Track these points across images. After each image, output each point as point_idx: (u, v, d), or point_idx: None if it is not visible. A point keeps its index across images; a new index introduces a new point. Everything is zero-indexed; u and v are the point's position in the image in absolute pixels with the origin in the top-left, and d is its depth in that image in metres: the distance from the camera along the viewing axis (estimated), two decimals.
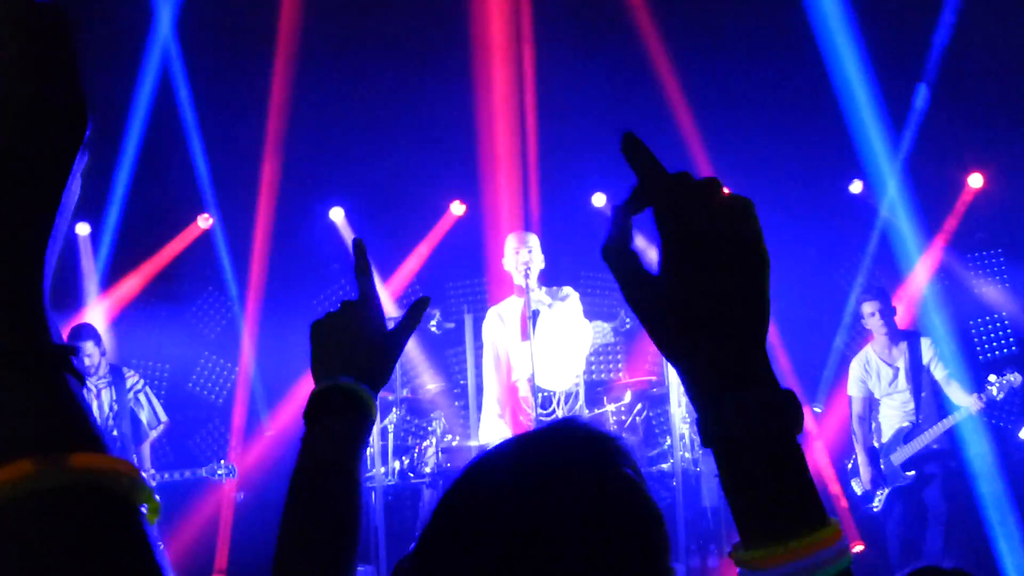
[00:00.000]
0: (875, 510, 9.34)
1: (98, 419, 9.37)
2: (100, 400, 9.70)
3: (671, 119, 11.30)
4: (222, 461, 10.04)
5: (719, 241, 1.24)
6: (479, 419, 9.17)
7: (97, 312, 11.55)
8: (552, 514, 1.30)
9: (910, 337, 9.39)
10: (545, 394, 8.56)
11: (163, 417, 9.96)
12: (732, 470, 1.22)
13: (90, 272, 11.82)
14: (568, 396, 8.65)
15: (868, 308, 9.35)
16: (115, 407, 9.69)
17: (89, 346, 9.62)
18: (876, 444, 9.38)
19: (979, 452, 9.45)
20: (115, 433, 9.60)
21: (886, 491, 9.22)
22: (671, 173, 1.31)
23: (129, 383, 9.85)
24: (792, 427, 1.21)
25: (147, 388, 10.00)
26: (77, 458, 0.96)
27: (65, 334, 8.76)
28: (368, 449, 7.73)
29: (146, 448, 9.79)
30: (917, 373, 9.21)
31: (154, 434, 9.85)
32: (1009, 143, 11.24)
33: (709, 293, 1.24)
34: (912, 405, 9.21)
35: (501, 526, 1.31)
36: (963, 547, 9.11)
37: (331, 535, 1.74)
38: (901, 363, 9.27)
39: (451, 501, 1.39)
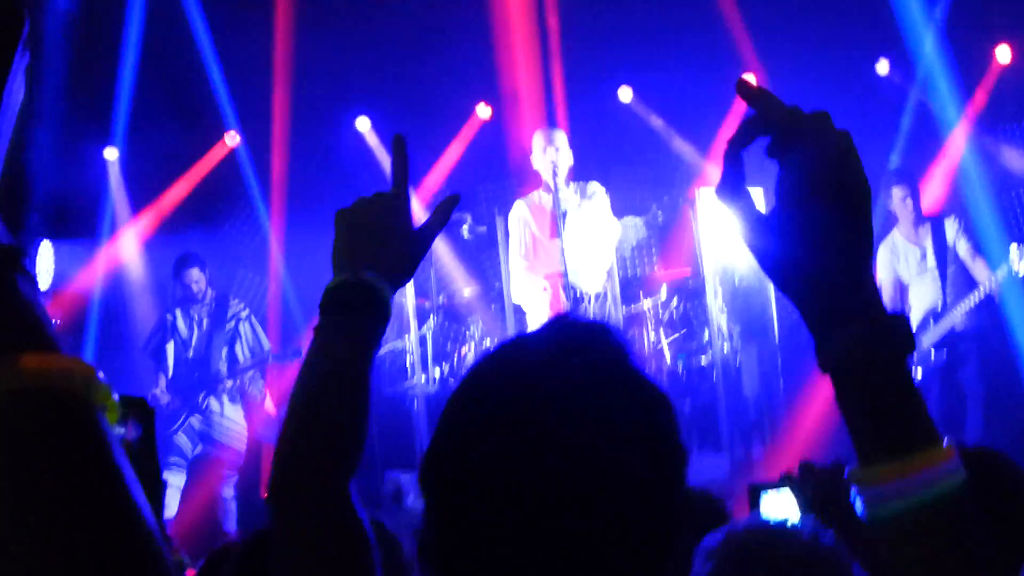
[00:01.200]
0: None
1: (192, 347, 9.49)
2: (201, 328, 9.79)
3: (696, 8, 11.15)
4: (297, 345, 10.10)
5: (830, 173, 1.32)
6: (516, 322, 9.17)
7: (130, 236, 11.58)
8: (557, 407, 1.29)
9: (934, 219, 9.32)
10: (576, 293, 8.53)
11: (267, 345, 9.98)
12: (848, 395, 1.29)
13: (120, 196, 11.83)
14: (598, 296, 8.63)
15: (899, 193, 9.29)
16: (212, 336, 9.75)
17: (195, 272, 9.74)
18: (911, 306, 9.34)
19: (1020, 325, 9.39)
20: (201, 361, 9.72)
21: (919, 369, 9.18)
22: (785, 106, 1.36)
23: (231, 312, 9.89)
24: (901, 352, 1.27)
25: (252, 318, 10.03)
26: (27, 359, 0.94)
27: (171, 261, 8.90)
28: (408, 357, 7.77)
29: (231, 383, 9.75)
30: (942, 252, 9.16)
31: (246, 362, 9.82)
32: None
33: (821, 225, 1.30)
34: (940, 285, 9.17)
35: (509, 425, 1.29)
36: (1005, 427, 9.07)
37: (335, 435, 1.70)
38: (928, 243, 9.22)
39: (457, 407, 1.38)
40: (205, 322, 9.79)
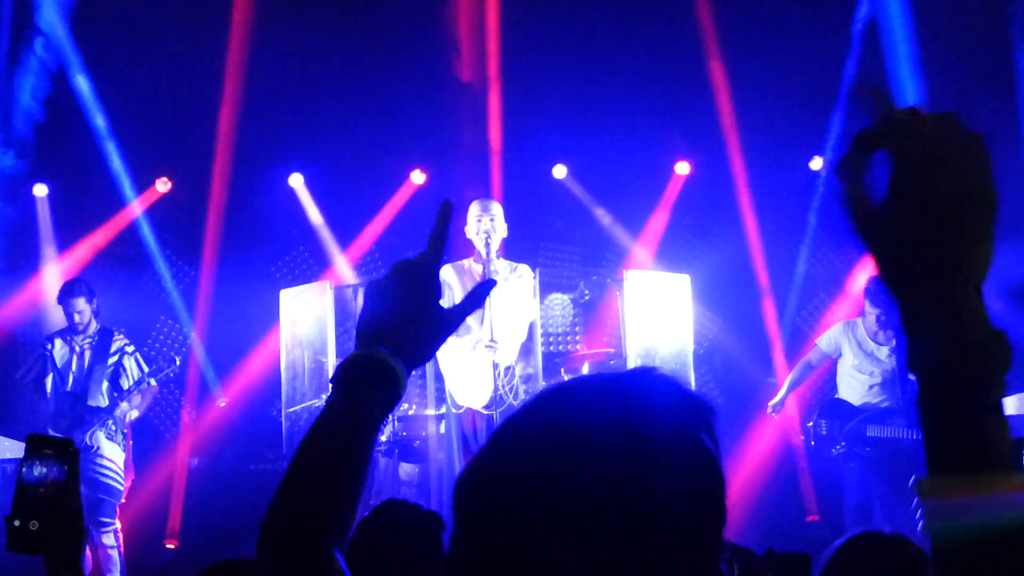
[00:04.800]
0: (835, 453, 9.32)
1: (71, 379, 9.11)
2: (82, 359, 9.42)
3: (635, 92, 11.28)
4: (172, 355, 9.87)
5: (948, 176, 1.25)
6: (436, 389, 9.14)
7: (53, 274, 11.46)
8: (628, 480, 1.23)
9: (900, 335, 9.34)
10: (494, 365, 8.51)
11: (153, 383, 9.62)
12: (926, 400, 1.25)
13: (47, 233, 11.72)
14: (507, 369, 8.62)
15: (871, 312, 9.31)
16: (94, 369, 9.37)
17: (80, 302, 9.40)
18: (840, 397, 9.40)
19: None
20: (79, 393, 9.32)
21: (844, 445, 9.23)
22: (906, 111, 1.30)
23: (115, 346, 9.53)
24: (990, 370, 1.23)
25: (137, 354, 9.69)
26: None
27: (57, 289, 8.62)
28: None
29: (124, 409, 9.37)
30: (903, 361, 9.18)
31: (136, 399, 9.48)
32: None
33: (930, 229, 1.25)
34: (877, 382, 9.23)
35: (565, 461, 1.24)
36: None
37: (328, 504, 1.72)
38: (885, 350, 9.26)
39: (518, 430, 1.33)
40: (87, 354, 9.43)
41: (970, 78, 10.49)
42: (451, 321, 1.89)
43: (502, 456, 1.32)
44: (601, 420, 1.28)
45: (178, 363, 9.78)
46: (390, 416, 8.87)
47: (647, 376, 1.34)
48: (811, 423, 9.45)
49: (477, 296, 1.97)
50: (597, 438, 1.26)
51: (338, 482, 1.74)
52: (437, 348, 1.90)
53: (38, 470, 2.36)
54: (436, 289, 1.88)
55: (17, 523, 2.36)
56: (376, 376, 1.79)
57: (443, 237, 1.90)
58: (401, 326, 1.83)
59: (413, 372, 1.88)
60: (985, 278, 1.26)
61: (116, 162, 11.47)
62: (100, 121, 11.27)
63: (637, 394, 1.32)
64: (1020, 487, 1.18)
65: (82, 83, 11.12)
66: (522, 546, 1.24)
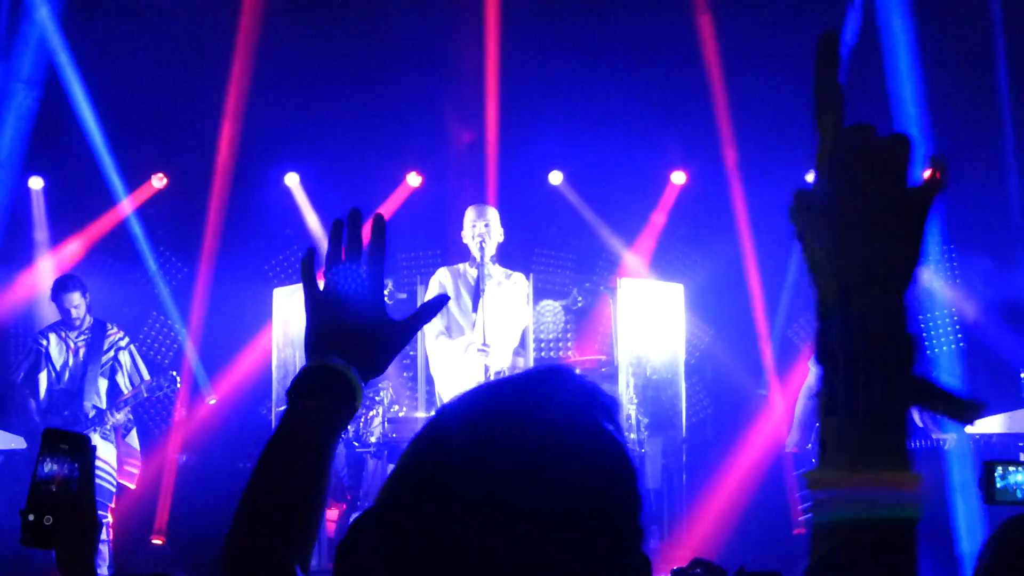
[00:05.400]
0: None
1: (67, 376, 9.07)
2: (77, 356, 9.39)
3: (633, 100, 11.28)
4: (172, 373, 9.74)
5: (868, 159, 1.28)
6: (427, 391, 9.15)
7: (47, 266, 11.44)
8: (534, 467, 1.24)
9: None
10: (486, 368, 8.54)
11: (147, 376, 9.57)
12: (826, 387, 1.24)
13: (41, 226, 11.70)
14: (498, 374, 8.63)
15: None
16: (88, 367, 9.34)
17: (76, 297, 9.37)
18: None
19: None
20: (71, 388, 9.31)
21: None
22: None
23: (109, 341, 9.50)
24: (894, 360, 1.23)
25: (132, 347, 9.67)
26: None
27: (50, 284, 8.57)
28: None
29: (120, 415, 9.34)
30: None
31: (128, 393, 9.42)
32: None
33: (845, 223, 1.28)
34: None
35: (479, 476, 1.24)
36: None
37: (290, 515, 1.72)
38: None
39: (429, 435, 1.33)
40: (82, 351, 9.39)
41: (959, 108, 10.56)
42: (403, 333, 1.90)
43: (420, 450, 1.31)
44: (507, 413, 1.28)
45: (179, 382, 9.74)
46: (381, 416, 8.93)
47: (551, 372, 1.35)
48: (797, 448, 9.41)
49: (428, 310, 1.98)
50: (503, 430, 1.26)
51: (298, 496, 1.74)
52: (391, 360, 1.90)
53: (53, 465, 2.37)
54: (382, 301, 1.89)
55: (31, 517, 2.37)
56: (332, 387, 1.80)
57: (381, 250, 1.91)
58: (351, 337, 1.84)
59: (404, 374, 1.90)
60: (908, 279, 1.26)
61: (111, 157, 11.44)
62: (92, 117, 11.23)
63: (539, 387, 1.32)
64: (914, 484, 1.20)
65: (73, 79, 11.08)
66: (440, 537, 1.24)
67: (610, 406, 1.32)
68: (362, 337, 1.85)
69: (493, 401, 1.32)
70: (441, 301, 2.03)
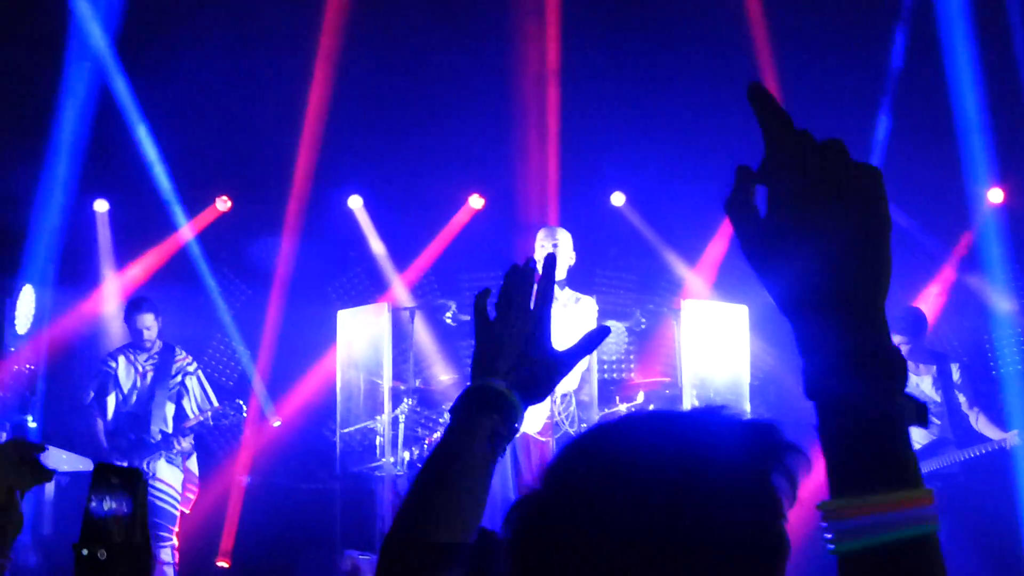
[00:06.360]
0: None
1: (134, 399, 9.09)
2: (144, 379, 9.35)
3: (694, 119, 11.25)
4: (239, 402, 9.67)
5: (832, 194, 1.26)
6: None
7: (112, 288, 11.56)
8: (682, 506, 1.26)
9: (939, 359, 9.23)
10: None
11: (215, 402, 9.51)
12: (827, 422, 1.26)
13: (106, 249, 11.83)
14: (564, 396, 8.61)
15: (896, 339, 9.22)
16: (155, 392, 9.31)
17: (148, 318, 9.32)
18: None
19: None
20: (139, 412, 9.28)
21: None
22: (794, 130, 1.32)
23: (176, 366, 9.45)
24: (884, 386, 1.23)
25: (199, 373, 9.63)
26: None
27: (116, 305, 8.57)
28: (378, 438, 7.76)
29: (186, 441, 9.32)
30: (949, 391, 9.09)
31: (195, 419, 9.38)
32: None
33: (813, 237, 1.26)
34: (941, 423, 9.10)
35: (627, 507, 1.26)
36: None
37: (450, 529, 1.77)
38: (927, 381, 9.14)
39: (577, 464, 1.35)
40: (149, 375, 9.35)
41: None
42: (564, 362, 1.98)
43: (555, 489, 1.33)
44: (652, 455, 1.30)
45: (245, 410, 9.73)
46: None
47: (707, 413, 1.37)
48: None
49: (591, 341, 2.05)
50: (646, 474, 1.28)
51: (459, 509, 1.80)
52: (552, 388, 1.98)
53: (105, 499, 2.38)
54: (547, 333, 1.98)
55: (85, 552, 2.39)
56: (495, 405, 1.87)
57: (550, 288, 2.02)
58: (517, 365, 1.93)
59: None
60: (884, 294, 1.26)
61: (173, 180, 11.56)
62: (154, 141, 11.35)
63: (694, 429, 1.34)
64: (926, 500, 1.21)
65: (130, 103, 11.20)
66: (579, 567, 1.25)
67: (780, 451, 1.37)
68: (525, 364, 1.94)
69: (640, 440, 1.34)
70: (602, 333, 2.08)
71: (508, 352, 1.93)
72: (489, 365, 1.93)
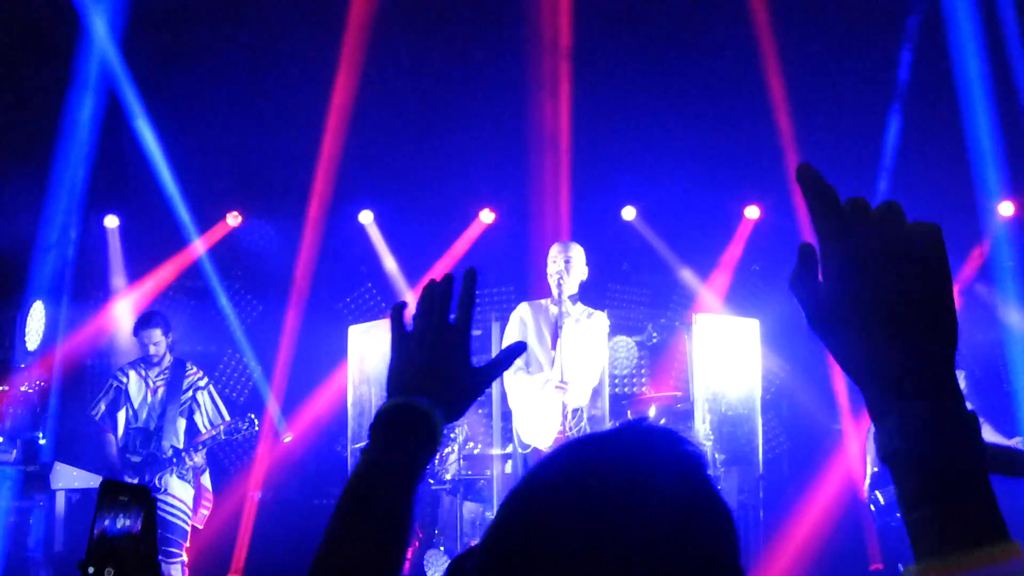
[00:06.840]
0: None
1: (144, 414, 9.08)
2: (156, 395, 9.30)
3: (707, 134, 11.25)
4: (251, 416, 9.54)
5: (890, 255, 1.24)
6: (503, 428, 9.12)
7: (123, 305, 11.57)
8: (637, 524, 1.23)
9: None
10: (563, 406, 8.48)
11: (227, 417, 9.44)
12: (903, 484, 1.21)
13: (117, 265, 11.85)
14: (575, 411, 8.58)
15: None
16: (167, 407, 9.25)
17: (156, 334, 9.28)
18: None
19: None
20: (152, 427, 9.19)
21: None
22: (845, 204, 1.28)
23: (188, 381, 9.39)
24: (963, 443, 1.20)
25: (211, 388, 9.56)
26: None
27: (126, 321, 8.54)
28: None
29: (198, 456, 9.24)
30: None
31: (206, 434, 9.30)
32: None
33: (875, 304, 1.24)
34: None
35: (580, 533, 1.23)
36: None
37: (373, 555, 1.72)
38: None
39: (525, 498, 1.32)
40: (160, 390, 9.30)
41: None
42: (483, 379, 1.93)
43: (521, 504, 1.31)
44: (603, 471, 1.28)
45: (257, 425, 9.68)
46: (456, 454, 8.91)
47: (640, 430, 1.34)
48: (867, 493, 9.31)
49: (506, 358, 2.01)
50: (601, 488, 1.26)
51: (381, 535, 1.74)
52: (469, 405, 1.92)
53: (113, 517, 2.36)
54: (467, 349, 1.92)
55: (91, 570, 2.37)
56: (416, 424, 1.80)
57: (471, 301, 1.94)
58: (434, 379, 1.86)
59: (479, 411, 1.92)
60: (952, 360, 1.27)
61: (184, 196, 11.58)
62: (166, 157, 11.37)
63: (639, 442, 1.31)
64: (1015, 553, 1.15)
65: (143, 120, 11.23)
66: None
67: (700, 459, 1.31)
68: (444, 381, 1.87)
69: (594, 453, 1.32)
70: (519, 349, 2.04)
71: (426, 367, 1.87)
72: (408, 381, 1.87)
